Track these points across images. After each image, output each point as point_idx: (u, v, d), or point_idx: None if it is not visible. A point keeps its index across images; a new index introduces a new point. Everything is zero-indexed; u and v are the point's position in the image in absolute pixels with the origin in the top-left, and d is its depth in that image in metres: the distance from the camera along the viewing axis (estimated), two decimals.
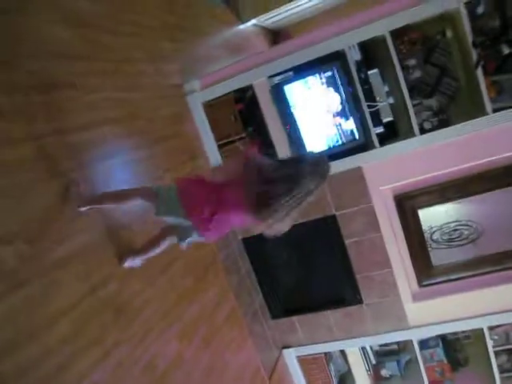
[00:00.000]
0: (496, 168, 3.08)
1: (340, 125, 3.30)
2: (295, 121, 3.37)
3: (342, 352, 4.08)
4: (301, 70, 3.30)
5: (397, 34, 3.08)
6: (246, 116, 3.53)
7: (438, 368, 3.69)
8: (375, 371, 4.11)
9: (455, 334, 3.92)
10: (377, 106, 3.18)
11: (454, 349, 3.93)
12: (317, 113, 3.33)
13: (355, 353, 4.05)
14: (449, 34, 3.17)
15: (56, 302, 1.89)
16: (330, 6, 5.76)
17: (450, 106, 3.28)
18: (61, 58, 2.31)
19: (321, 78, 3.26)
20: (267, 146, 3.54)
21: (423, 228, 3.38)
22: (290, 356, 3.86)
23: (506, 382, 3.60)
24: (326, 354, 3.88)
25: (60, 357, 1.85)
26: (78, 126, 2.30)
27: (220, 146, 3.57)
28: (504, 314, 3.31)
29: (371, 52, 3.24)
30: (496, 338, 3.52)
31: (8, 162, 1.83)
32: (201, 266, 3.16)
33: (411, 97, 3.15)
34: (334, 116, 3.30)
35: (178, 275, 2.87)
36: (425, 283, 3.42)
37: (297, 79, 3.32)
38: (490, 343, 3.51)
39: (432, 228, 3.42)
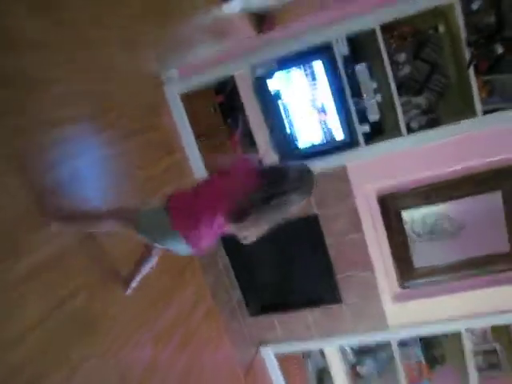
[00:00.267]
0: (485, 171, 2.99)
1: (324, 121, 3.15)
2: (278, 115, 3.21)
3: (320, 349, 4.06)
4: (285, 62, 3.12)
5: (387, 27, 2.91)
6: (226, 108, 3.36)
7: (415, 367, 3.70)
8: (353, 369, 4.11)
9: None
10: (363, 102, 3.03)
11: (432, 346, 3.94)
12: (300, 108, 3.18)
13: (333, 350, 4.03)
14: (441, 29, 3.01)
15: (21, 318, 1.78)
16: None
17: (438, 103, 3.15)
18: (22, 49, 2.10)
19: (305, 71, 3.09)
20: (247, 139, 3.40)
21: (404, 219, 3.30)
22: (268, 353, 3.81)
23: (483, 381, 3.62)
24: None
25: (25, 376, 1.75)
26: (43, 124, 2.11)
27: (199, 140, 3.40)
28: (482, 317, 3.29)
29: (359, 46, 3.07)
30: (473, 338, 3.52)
31: None
32: (177, 265, 3.04)
33: (399, 94, 3.01)
34: (318, 112, 3.15)
35: (153, 278, 2.74)
36: (406, 285, 3.37)
37: (280, 71, 3.14)
38: (467, 343, 3.51)
39: (414, 221, 3.35)
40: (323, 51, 3.00)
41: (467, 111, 2.94)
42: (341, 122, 3.10)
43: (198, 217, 1.78)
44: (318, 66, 3.04)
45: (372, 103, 3.05)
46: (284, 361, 3.84)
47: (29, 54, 2.13)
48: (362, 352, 4.17)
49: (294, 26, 3.02)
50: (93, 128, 2.48)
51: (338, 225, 3.35)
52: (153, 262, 2.24)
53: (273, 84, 3.16)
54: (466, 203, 3.12)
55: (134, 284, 2.29)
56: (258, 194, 1.69)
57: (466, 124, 2.87)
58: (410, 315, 3.41)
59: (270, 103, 3.20)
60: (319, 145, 3.21)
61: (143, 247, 2.27)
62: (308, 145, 3.22)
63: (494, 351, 3.71)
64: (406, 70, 3.12)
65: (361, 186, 3.23)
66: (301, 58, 3.06)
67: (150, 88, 3.15)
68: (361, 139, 3.07)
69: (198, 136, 3.38)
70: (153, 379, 2.54)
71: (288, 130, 3.22)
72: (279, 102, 3.18)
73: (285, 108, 3.19)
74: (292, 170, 1.78)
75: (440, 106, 3.13)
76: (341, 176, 3.22)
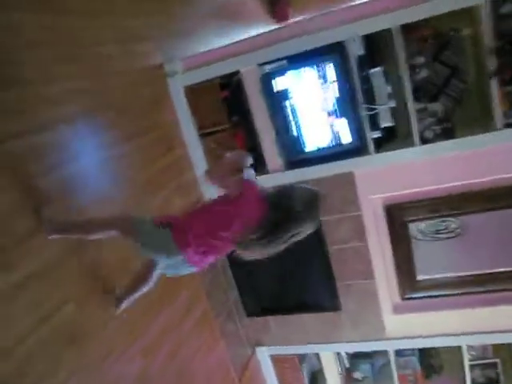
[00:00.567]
0: (497, 188, 2.83)
1: (334, 125, 2.99)
2: (284, 115, 3.05)
3: (316, 353, 4.00)
4: (295, 60, 2.94)
5: (408, 29, 2.71)
6: (231, 104, 3.19)
7: (411, 377, 3.64)
8: (348, 373, 4.06)
9: None
10: (376, 108, 2.86)
11: (430, 355, 3.87)
12: (309, 109, 3.01)
13: (329, 354, 3.97)
14: (465, 31, 2.81)
15: (9, 331, 1.72)
16: None
17: (455, 110, 2.97)
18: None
19: (317, 71, 2.90)
20: (252, 139, 3.25)
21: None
22: (263, 354, 3.77)
23: None
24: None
25: None
26: (37, 126, 2.00)
27: (201, 136, 3.26)
28: (483, 335, 3.20)
29: (376, 48, 2.87)
30: (473, 353, 3.44)
31: None
32: None
33: (415, 99, 2.84)
34: (327, 114, 2.98)
35: None
36: (407, 296, 3.26)
37: (290, 69, 2.96)
38: (466, 357, 3.44)
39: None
40: (337, 50, 2.81)
41: (485, 123, 2.77)
42: (350, 127, 2.93)
43: (207, 243, 1.75)
44: (330, 65, 2.86)
45: (385, 109, 2.87)
46: (279, 362, 3.80)
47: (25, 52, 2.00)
48: (358, 356, 4.12)
49: (308, 22, 2.83)
50: (90, 128, 2.35)
51: (340, 232, 3.23)
52: (150, 285, 2.13)
53: (281, 82, 2.99)
54: (476, 218, 2.98)
55: (124, 305, 2.17)
56: (265, 224, 1.60)
57: (483, 138, 2.70)
58: (409, 327, 3.32)
59: (277, 102, 3.03)
60: (327, 148, 3.05)
61: (142, 267, 2.17)
62: (315, 148, 3.07)
63: (494, 365, 3.64)
64: (424, 73, 2.93)
65: (368, 194, 3.10)
66: (313, 57, 2.88)
67: (153, 80, 3.00)
68: (371, 146, 2.92)
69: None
70: None
71: (295, 132, 3.06)
72: (287, 101, 3.01)
73: (292, 108, 3.02)
74: (301, 195, 1.66)
75: (456, 114, 2.95)
76: (347, 182, 3.08)
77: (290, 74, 2.96)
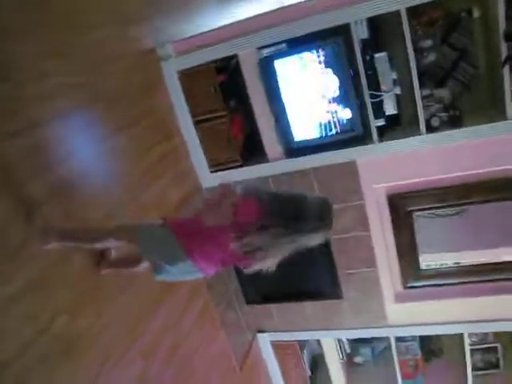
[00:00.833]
0: (505, 178, 2.74)
1: (336, 112, 2.86)
2: (283, 102, 2.91)
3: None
4: (296, 44, 2.78)
5: (415, 11, 2.55)
6: (228, 89, 3.05)
7: (411, 362, 3.65)
8: (348, 358, 4.08)
9: None
10: (381, 95, 2.73)
11: (430, 338, 3.88)
12: (310, 95, 2.87)
13: (330, 340, 3.97)
14: (476, 13, 2.64)
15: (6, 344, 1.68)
16: None
17: (463, 96, 2.84)
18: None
19: (318, 56, 2.75)
20: (250, 125, 3.13)
21: None
22: (265, 340, 3.77)
23: (480, 378, 3.59)
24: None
25: None
26: (27, 124, 1.89)
27: (197, 123, 3.13)
28: (484, 323, 3.18)
29: (381, 31, 2.71)
30: (474, 340, 3.44)
31: None
32: None
33: (422, 84, 2.70)
34: (329, 101, 2.85)
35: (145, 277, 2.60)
36: (410, 285, 3.22)
37: (290, 54, 2.81)
38: (467, 342, 3.44)
39: None
40: (340, 33, 2.66)
41: (495, 111, 2.65)
42: (353, 114, 2.80)
43: (215, 250, 1.70)
44: (332, 49, 2.71)
45: (390, 96, 2.74)
46: (280, 348, 3.80)
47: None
48: (359, 340, 4.13)
49: (308, 5, 2.65)
50: (85, 120, 2.25)
51: (343, 221, 3.15)
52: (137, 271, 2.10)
53: (280, 67, 2.84)
54: (483, 208, 2.91)
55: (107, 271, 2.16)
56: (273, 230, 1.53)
57: (493, 127, 2.59)
58: (411, 315, 3.30)
59: (276, 88, 2.89)
60: (328, 136, 2.93)
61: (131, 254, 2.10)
62: (316, 136, 2.95)
63: (494, 350, 3.65)
64: (431, 57, 2.78)
65: (371, 183, 3.01)
66: (314, 40, 2.72)
67: (145, 65, 2.84)
68: (375, 134, 2.81)
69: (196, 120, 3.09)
70: None
71: (294, 119, 2.94)
72: (286, 87, 2.87)
73: (292, 94, 2.89)
74: (312, 205, 1.57)
75: (464, 101, 2.82)
76: (350, 171, 2.99)
77: (290, 58, 2.81)
